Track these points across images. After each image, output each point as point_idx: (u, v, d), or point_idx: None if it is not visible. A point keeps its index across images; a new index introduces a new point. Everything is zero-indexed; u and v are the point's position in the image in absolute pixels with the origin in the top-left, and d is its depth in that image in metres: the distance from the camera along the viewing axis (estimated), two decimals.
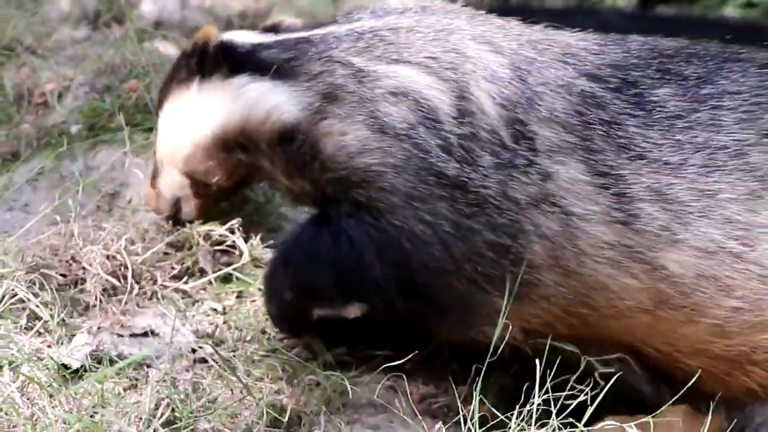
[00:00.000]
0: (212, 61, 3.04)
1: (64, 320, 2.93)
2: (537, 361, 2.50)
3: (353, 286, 2.82)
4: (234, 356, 2.99)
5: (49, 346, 2.87)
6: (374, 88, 2.77)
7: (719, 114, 2.68)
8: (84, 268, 3.09)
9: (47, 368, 2.75)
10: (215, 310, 3.21)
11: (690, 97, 2.70)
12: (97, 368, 2.80)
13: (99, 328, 3.01)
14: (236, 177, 3.16)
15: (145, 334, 3.01)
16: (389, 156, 2.72)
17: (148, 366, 2.85)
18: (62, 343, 2.88)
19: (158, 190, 3.25)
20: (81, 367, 2.81)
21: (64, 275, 3.11)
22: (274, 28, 3.10)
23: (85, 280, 3.11)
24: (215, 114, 3.02)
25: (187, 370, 2.90)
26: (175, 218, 3.29)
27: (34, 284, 2.94)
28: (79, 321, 3.01)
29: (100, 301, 3.08)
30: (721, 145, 2.64)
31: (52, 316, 2.90)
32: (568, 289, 2.67)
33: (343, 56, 2.86)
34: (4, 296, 2.87)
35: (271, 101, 2.94)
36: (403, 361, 2.62)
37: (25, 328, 2.88)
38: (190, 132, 3.08)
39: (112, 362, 2.83)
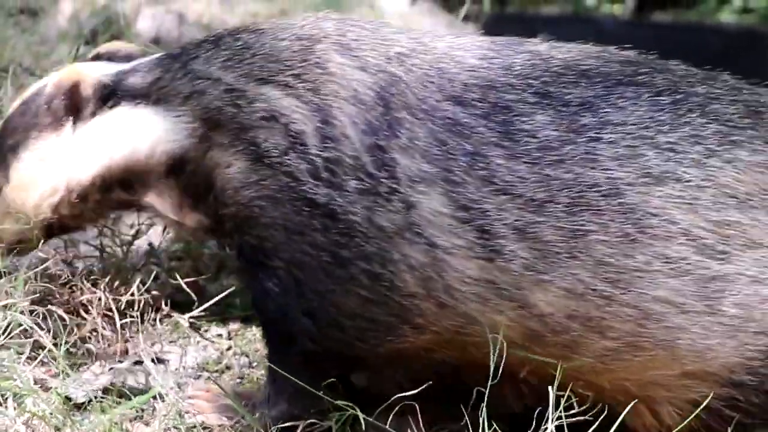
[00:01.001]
0: (85, 100, 2.84)
1: (69, 351, 2.88)
2: (549, 387, 2.45)
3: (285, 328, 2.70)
4: (241, 383, 2.96)
5: (53, 377, 2.82)
6: (251, 112, 2.62)
7: (596, 147, 2.48)
8: (88, 297, 3.04)
9: (52, 400, 2.69)
10: (220, 335, 3.18)
11: (566, 126, 2.50)
12: (104, 399, 2.75)
13: (104, 358, 2.96)
14: (106, 215, 3.06)
15: (152, 362, 2.96)
16: (266, 188, 2.60)
17: (154, 397, 2.80)
18: (67, 374, 2.83)
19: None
20: (87, 399, 2.76)
21: (67, 304, 3.06)
22: (110, 56, 2.98)
23: (88, 310, 3.06)
24: (94, 155, 2.82)
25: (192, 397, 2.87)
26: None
27: (38, 314, 2.88)
28: (84, 351, 2.96)
29: (104, 330, 3.03)
30: (593, 182, 2.47)
31: (56, 345, 2.85)
32: (445, 319, 2.55)
33: (208, 70, 2.73)
34: (8, 326, 2.81)
35: (152, 131, 2.76)
36: (416, 391, 2.58)
37: (29, 358, 2.82)
38: (63, 179, 2.86)
39: (119, 393, 2.78)
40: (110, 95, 2.81)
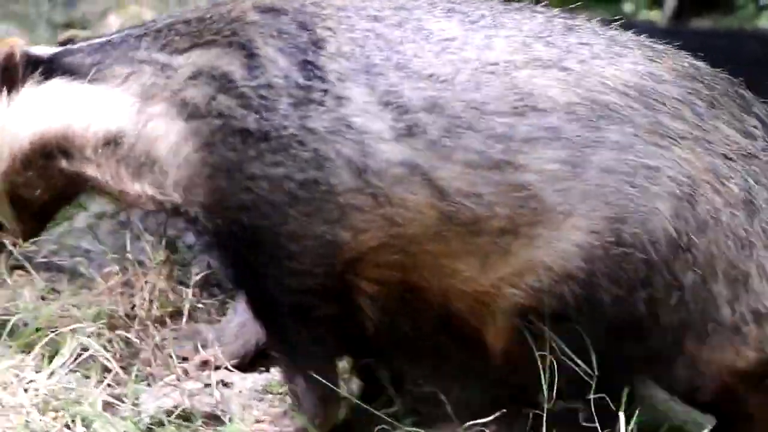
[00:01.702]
0: (20, 70, 3.01)
1: (137, 375, 2.89)
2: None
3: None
4: None
5: (120, 400, 2.84)
6: (179, 78, 2.86)
7: (492, 39, 2.78)
8: (151, 318, 3.07)
9: (121, 424, 2.71)
10: None
11: (467, 27, 2.82)
12: (171, 422, 2.77)
13: (168, 380, 2.98)
14: (57, 188, 3.09)
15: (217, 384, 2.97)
16: (200, 137, 2.80)
17: (219, 419, 2.82)
18: (134, 397, 2.85)
19: None
20: (154, 421, 2.78)
21: (128, 326, 3.09)
22: (68, 42, 3.12)
23: (147, 330, 3.08)
24: (32, 121, 2.98)
25: (258, 422, 2.88)
26: None
27: (104, 337, 2.90)
28: (148, 373, 2.98)
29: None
30: (490, 62, 2.74)
31: (123, 369, 2.87)
32: (379, 213, 2.72)
33: (147, 55, 2.94)
34: (76, 350, 2.84)
35: (89, 107, 2.95)
36: (486, 420, 2.58)
37: (98, 381, 2.85)
38: (6, 144, 3.01)
39: (185, 416, 2.80)
40: (50, 68, 2.99)
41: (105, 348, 2.91)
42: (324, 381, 2.80)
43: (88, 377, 2.87)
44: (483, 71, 2.75)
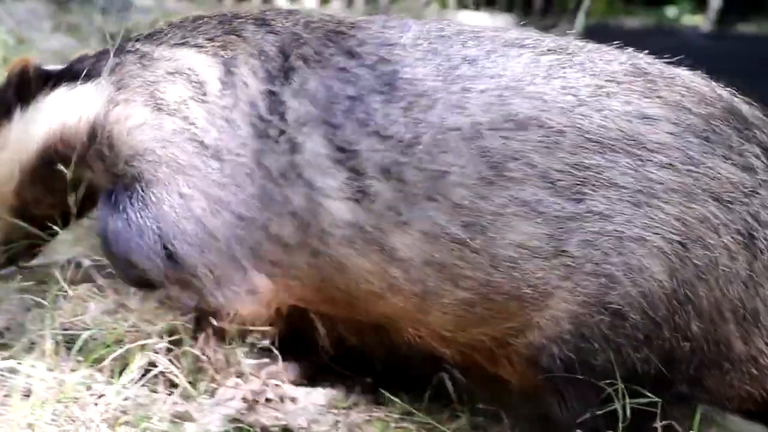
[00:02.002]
0: (32, 85, 3.09)
1: (205, 390, 2.91)
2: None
3: (131, 257, 2.88)
4: (369, 420, 2.97)
5: (188, 415, 2.86)
6: (155, 70, 2.89)
7: (467, 95, 2.64)
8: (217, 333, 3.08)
9: None
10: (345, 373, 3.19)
11: (443, 77, 2.68)
12: None
13: (234, 394, 3.00)
14: (65, 203, 3.12)
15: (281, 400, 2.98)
16: (159, 130, 2.82)
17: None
18: (200, 412, 2.87)
19: None
20: None
21: (195, 339, 3.10)
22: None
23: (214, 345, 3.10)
24: (38, 131, 3.05)
25: None
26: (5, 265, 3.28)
27: (172, 352, 2.93)
28: (213, 388, 3.00)
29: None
30: (455, 126, 2.61)
31: (192, 384, 2.89)
32: (313, 269, 2.71)
33: (132, 45, 3.01)
34: (144, 365, 2.87)
35: (79, 101, 3.01)
36: None
37: (167, 395, 2.87)
38: (17, 159, 3.08)
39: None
40: (55, 82, 3.07)
41: (172, 362, 2.92)
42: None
43: (155, 392, 2.88)
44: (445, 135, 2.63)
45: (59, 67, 3.18)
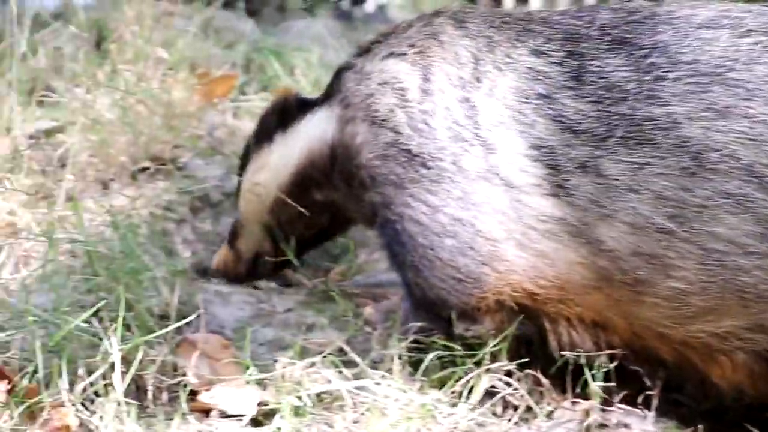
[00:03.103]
0: (290, 112, 3.29)
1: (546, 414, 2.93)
2: None
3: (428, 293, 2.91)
4: None
5: None
6: (370, 84, 2.98)
7: (660, 85, 2.59)
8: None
9: None
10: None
11: (635, 66, 2.64)
12: None
13: (573, 416, 2.99)
14: (315, 224, 3.33)
15: None
16: (378, 146, 2.91)
17: None
18: None
19: (238, 250, 3.48)
20: None
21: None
22: None
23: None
24: (292, 155, 3.24)
25: None
26: (248, 277, 3.49)
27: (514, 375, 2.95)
28: (551, 410, 3.00)
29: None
30: (649, 116, 2.56)
31: (528, 409, 2.91)
32: (526, 262, 2.70)
33: (353, 61, 3.12)
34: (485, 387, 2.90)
35: (321, 124, 3.17)
36: None
37: (507, 420, 2.90)
38: (273, 181, 3.29)
39: None
40: (311, 108, 3.25)
41: (509, 384, 2.95)
42: None
43: (495, 414, 2.92)
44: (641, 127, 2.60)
45: (313, 97, 3.38)
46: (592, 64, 2.72)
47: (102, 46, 4.07)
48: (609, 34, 2.76)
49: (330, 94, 3.23)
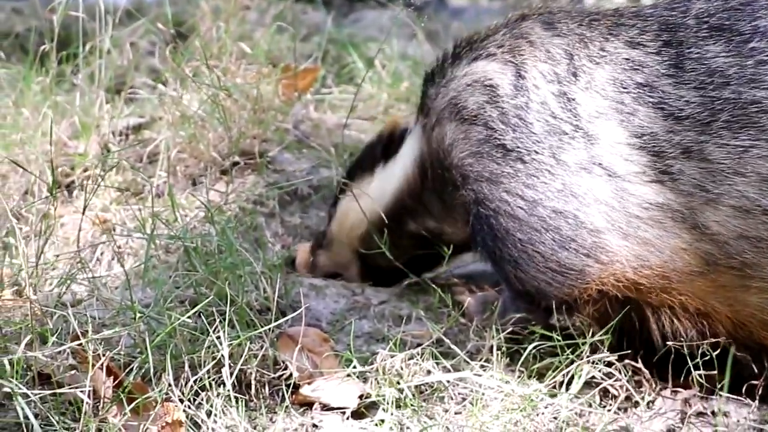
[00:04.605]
0: (393, 144, 3.32)
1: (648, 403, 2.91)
2: None
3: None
4: None
5: (628, 429, 2.87)
6: (456, 86, 3.01)
7: (763, 68, 2.61)
8: None
9: None
10: None
11: (736, 51, 2.66)
12: None
13: (673, 406, 2.98)
14: (404, 252, 3.34)
15: None
16: (469, 144, 2.93)
17: None
18: (640, 423, 2.87)
19: (319, 260, 3.54)
20: None
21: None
22: None
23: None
24: (387, 188, 3.29)
25: None
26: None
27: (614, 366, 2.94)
28: (651, 399, 2.98)
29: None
30: (753, 100, 2.59)
31: (627, 398, 2.90)
32: (629, 251, 2.71)
33: (439, 68, 3.15)
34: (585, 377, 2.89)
35: (410, 147, 3.24)
36: None
37: (602, 406, 2.90)
38: (369, 209, 3.32)
39: None
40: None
41: (607, 375, 2.94)
42: None
43: (591, 404, 2.90)
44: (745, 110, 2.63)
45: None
46: (691, 52, 2.73)
47: (180, 41, 4.08)
48: (706, 22, 2.77)
49: (417, 111, 3.26)
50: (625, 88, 2.76)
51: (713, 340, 2.80)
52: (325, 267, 3.56)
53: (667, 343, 2.85)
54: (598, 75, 2.81)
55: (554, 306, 2.88)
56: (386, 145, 3.38)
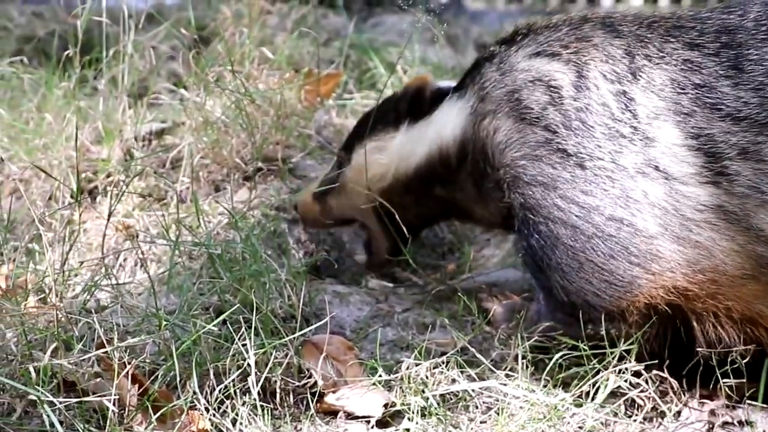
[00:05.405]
0: (423, 102, 3.27)
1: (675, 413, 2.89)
2: None
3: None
4: None
5: None
6: (516, 79, 2.96)
7: None
8: None
9: None
10: None
11: None
12: None
13: (700, 416, 2.95)
14: (426, 214, 3.37)
15: None
16: (526, 145, 2.90)
17: None
18: None
19: (329, 205, 3.51)
20: None
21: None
22: None
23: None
24: (418, 149, 3.23)
25: None
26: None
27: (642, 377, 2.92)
28: (678, 410, 2.96)
29: None
30: None
31: (654, 408, 2.88)
32: (682, 256, 2.70)
33: (494, 52, 3.10)
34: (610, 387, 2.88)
35: (451, 119, 3.15)
36: None
37: (628, 416, 2.88)
38: (393, 166, 3.29)
39: None
40: (443, 98, 3.23)
41: (633, 385, 2.92)
42: None
43: (616, 414, 2.89)
44: None
45: (452, 85, 3.32)
46: (750, 53, 2.74)
47: (203, 45, 4.07)
48: (764, 24, 2.78)
49: (465, 85, 3.20)
50: (683, 89, 2.76)
51: (751, 347, 2.80)
52: (338, 211, 3.53)
53: (698, 350, 2.82)
54: (657, 76, 2.81)
55: (602, 318, 2.84)
56: (413, 102, 3.33)
